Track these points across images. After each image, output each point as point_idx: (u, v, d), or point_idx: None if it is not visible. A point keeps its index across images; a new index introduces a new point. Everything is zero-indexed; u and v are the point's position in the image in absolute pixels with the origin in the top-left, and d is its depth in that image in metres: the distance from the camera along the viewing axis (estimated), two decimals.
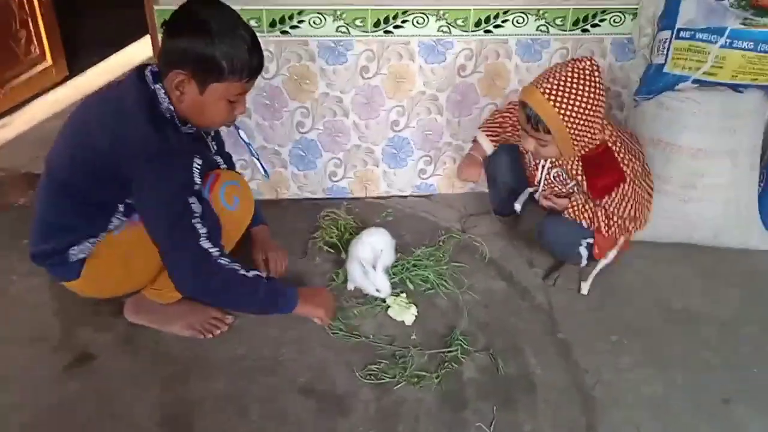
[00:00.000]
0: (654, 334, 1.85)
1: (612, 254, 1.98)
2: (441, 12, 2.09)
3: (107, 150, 1.47)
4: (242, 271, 1.51)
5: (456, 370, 1.69)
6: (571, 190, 1.94)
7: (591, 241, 1.93)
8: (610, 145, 1.81)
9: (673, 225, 2.11)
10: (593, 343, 1.81)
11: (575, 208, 1.90)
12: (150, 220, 1.50)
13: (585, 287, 1.98)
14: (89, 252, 1.63)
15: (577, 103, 1.67)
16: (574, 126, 1.71)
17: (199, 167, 1.50)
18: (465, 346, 1.75)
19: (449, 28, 2.12)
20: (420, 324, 1.85)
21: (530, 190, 2.09)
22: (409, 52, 2.16)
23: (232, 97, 1.52)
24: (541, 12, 2.13)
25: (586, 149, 1.81)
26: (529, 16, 2.13)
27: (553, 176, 1.94)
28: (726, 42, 1.87)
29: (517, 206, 2.08)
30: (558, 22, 2.16)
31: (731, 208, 2.08)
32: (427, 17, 2.09)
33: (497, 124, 2.08)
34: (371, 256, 1.85)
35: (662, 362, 1.75)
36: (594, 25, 2.18)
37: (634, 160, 1.85)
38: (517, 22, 2.14)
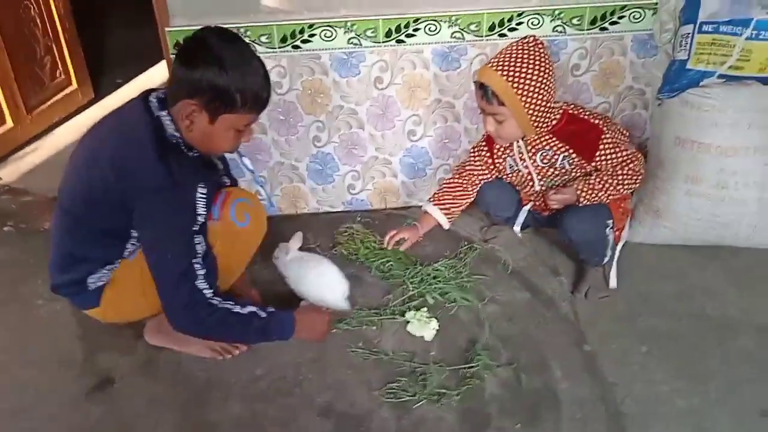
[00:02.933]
0: (687, 344, 1.77)
1: (626, 233, 2.04)
2: (453, 18, 2.05)
3: (113, 180, 1.49)
4: (236, 309, 1.54)
5: (478, 387, 1.65)
6: (564, 169, 1.91)
7: (612, 221, 1.89)
8: (570, 111, 1.87)
9: (704, 227, 2.03)
10: (622, 355, 1.75)
11: (585, 190, 1.86)
12: (150, 254, 1.51)
13: (613, 278, 1.97)
14: (107, 279, 1.66)
15: (524, 70, 1.73)
16: (525, 92, 1.74)
17: (204, 196, 1.51)
18: (487, 361, 1.71)
19: (462, 34, 2.08)
20: (440, 339, 1.81)
21: (527, 208, 2.09)
22: (423, 61, 2.12)
23: (240, 127, 1.53)
24: (556, 12, 2.07)
25: (549, 123, 1.84)
26: (545, 17, 2.07)
27: (540, 160, 1.92)
28: (752, 34, 1.78)
29: (516, 228, 2.13)
30: (575, 21, 2.09)
31: (765, 206, 1.98)
32: (440, 24, 2.06)
33: (447, 191, 2.09)
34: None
35: (696, 374, 1.68)
36: (613, 23, 2.11)
37: (598, 114, 1.91)
38: (532, 23, 2.08)
